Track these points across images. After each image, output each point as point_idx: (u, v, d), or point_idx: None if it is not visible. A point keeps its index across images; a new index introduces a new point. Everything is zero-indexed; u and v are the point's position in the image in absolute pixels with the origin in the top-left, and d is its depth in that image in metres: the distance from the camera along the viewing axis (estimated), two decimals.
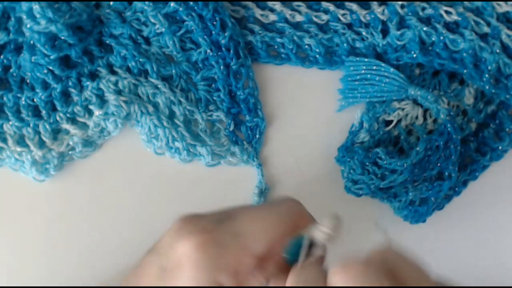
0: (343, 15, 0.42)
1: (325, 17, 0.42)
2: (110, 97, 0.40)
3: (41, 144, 0.41)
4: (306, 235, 0.28)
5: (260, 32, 0.42)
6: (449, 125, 0.39)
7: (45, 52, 0.39)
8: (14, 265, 0.40)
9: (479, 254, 0.41)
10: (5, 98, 0.41)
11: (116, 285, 0.39)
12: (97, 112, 0.40)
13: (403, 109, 0.40)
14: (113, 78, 0.41)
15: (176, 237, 0.28)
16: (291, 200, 0.31)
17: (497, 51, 0.40)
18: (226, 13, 0.41)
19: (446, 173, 0.39)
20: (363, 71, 0.41)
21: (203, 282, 0.27)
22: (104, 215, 0.41)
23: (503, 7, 0.41)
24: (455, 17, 0.41)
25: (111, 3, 0.41)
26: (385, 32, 0.41)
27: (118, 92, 0.41)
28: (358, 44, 0.42)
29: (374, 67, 0.40)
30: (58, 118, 0.41)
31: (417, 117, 0.40)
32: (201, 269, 0.27)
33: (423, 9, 0.41)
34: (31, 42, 0.40)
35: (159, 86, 0.41)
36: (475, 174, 0.41)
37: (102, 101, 0.41)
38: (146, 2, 0.41)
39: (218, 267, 0.27)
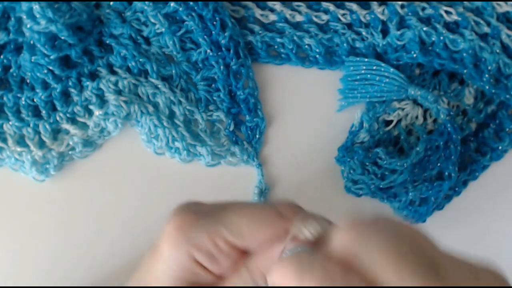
0: (343, 15, 0.42)
1: (325, 17, 0.42)
2: (110, 97, 0.40)
3: (41, 144, 0.41)
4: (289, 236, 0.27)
5: (260, 32, 0.42)
6: (449, 125, 0.39)
7: (45, 52, 0.39)
8: (14, 265, 0.40)
9: (479, 254, 0.41)
10: (5, 98, 0.41)
11: (117, 284, 0.39)
12: (97, 112, 0.40)
13: (403, 109, 0.40)
14: (113, 78, 0.41)
15: (168, 219, 0.29)
16: (290, 203, 0.30)
17: (497, 51, 0.40)
18: (226, 13, 0.41)
19: (446, 173, 0.39)
20: (363, 71, 0.41)
21: (178, 256, 0.28)
22: (104, 215, 0.41)
23: (503, 7, 0.42)
24: (455, 17, 0.41)
25: (111, 3, 0.41)
26: (385, 32, 0.41)
27: (118, 92, 0.41)
28: (358, 44, 0.42)
29: (374, 67, 0.40)
30: (58, 118, 0.41)
31: (417, 117, 0.40)
32: (176, 244, 0.28)
33: (423, 9, 0.41)
34: (31, 42, 0.40)
35: (159, 86, 0.41)
36: (475, 174, 0.41)
37: (102, 101, 0.41)
38: (146, 2, 0.41)
39: (192, 244, 0.27)
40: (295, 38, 0.42)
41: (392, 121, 0.41)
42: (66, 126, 0.41)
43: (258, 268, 0.28)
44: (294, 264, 0.23)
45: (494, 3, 0.41)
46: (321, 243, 0.26)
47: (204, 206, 0.30)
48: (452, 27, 0.41)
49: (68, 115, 0.41)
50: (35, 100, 0.41)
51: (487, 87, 0.40)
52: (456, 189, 0.41)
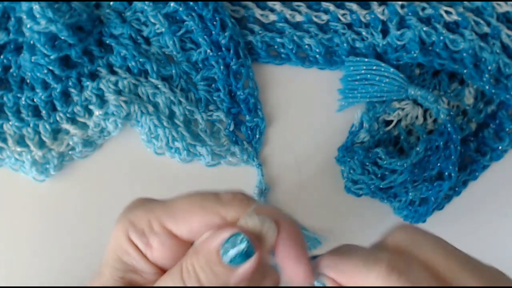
0: (343, 15, 0.42)
1: (325, 17, 0.42)
2: (110, 97, 0.40)
3: (41, 144, 0.41)
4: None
5: (260, 32, 0.42)
6: (449, 125, 0.39)
7: (45, 52, 0.39)
8: (14, 264, 0.40)
9: (479, 254, 0.41)
10: (5, 98, 0.41)
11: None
12: (97, 112, 0.40)
13: (403, 109, 0.40)
14: (113, 78, 0.41)
15: None
16: (238, 192, 0.27)
17: (497, 51, 0.40)
18: (226, 13, 0.41)
19: (446, 173, 0.39)
20: (363, 71, 0.41)
21: (116, 233, 0.27)
22: (104, 215, 0.41)
23: (503, 7, 0.42)
24: (455, 17, 0.41)
25: (111, 3, 0.41)
26: (385, 32, 0.41)
27: (118, 92, 0.41)
28: (358, 44, 0.42)
29: (374, 67, 0.40)
30: (58, 118, 0.41)
31: (417, 117, 0.40)
32: (117, 221, 0.28)
33: (423, 9, 0.41)
34: (31, 42, 0.40)
35: (159, 86, 0.41)
36: (475, 174, 0.41)
37: (102, 101, 0.41)
38: (146, 2, 0.41)
39: (129, 220, 0.27)
40: (295, 38, 0.42)
41: (392, 121, 0.41)
42: (66, 126, 0.41)
43: (192, 265, 0.26)
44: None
45: (494, 3, 0.41)
46: (261, 241, 0.25)
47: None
48: (452, 27, 0.41)
49: (68, 115, 0.41)
50: (35, 100, 0.41)
51: (487, 87, 0.40)
52: (456, 189, 0.41)
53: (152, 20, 0.41)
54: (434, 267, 0.25)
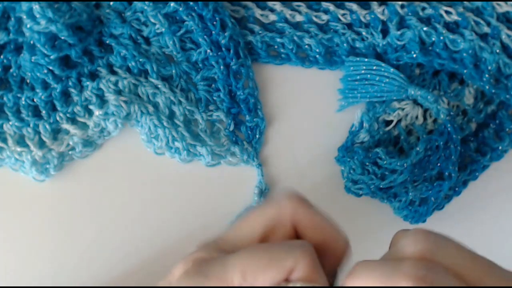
0: (343, 15, 0.42)
1: (325, 17, 0.42)
2: (110, 97, 0.40)
3: (41, 144, 0.41)
4: None
5: (260, 32, 0.42)
6: (449, 125, 0.39)
7: (45, 52, 0.39)
8: (14, 265, 0.40)
9: (479, 254, 0.41)
10: (5, 98, 0.41)
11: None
12: (97, 112, 0.40)
13: (403, 109, 0.40)
14: (113, 78, 0.41)
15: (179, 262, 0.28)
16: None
17: (497, 51, 0.40)
18: (226, 13, 0.41)
19: (446, 173, 0.39)
20: (363, 71, 0.41)
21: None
22: (104, 215, 0.41)
23: (503, 7, 0.42)
24: (455, 17, 0.41)
25: (111, 3, 0.41)
26: (385, 32, 0.41)
27: (118, 92, 0.41)
28: (358, 44, 0.42)
29: (374, 67, 0.40)
30: (58, 118, 0.41)
31: (417, 117, 0.40)
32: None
33: (423, 9, 0.41)
34: (31, 42, 0.40)
35: (159, 86, 0.41)
36: (475, 174, 0.41)
37: (102, 101, 0.41)
38: (146, 2, 0.41)
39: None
40: (295, 38, 0.42)
41: (392, 121, 0.41)
42: (66, 126, 0.41)
43: None
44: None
45: (494, 3, 0.41)
46: None
47: (209, 249, 0.28)
48: (452, 27, 0.41)
49: (68, 115, 0.41)
50: (35, 100, 0.41)
51: (487, 87, 0.40)
52: (456, 189, 0.41)
53: (152, 20, 0.41)
54: (460, 273, 0.23)
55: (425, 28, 0.40)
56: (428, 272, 0.23)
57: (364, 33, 0.42)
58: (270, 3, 0.43)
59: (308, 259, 0.26)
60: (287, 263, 0.25)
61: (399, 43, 0.41)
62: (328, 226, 0.30)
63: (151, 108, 0.40)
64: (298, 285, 0.26)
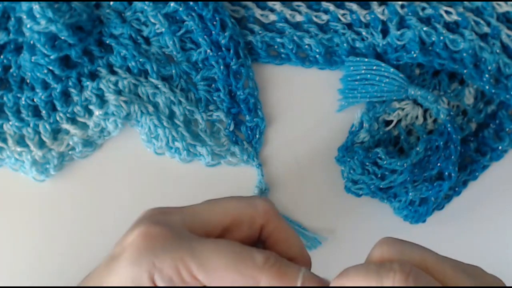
0: (343, 15, 0.42)
1: (325, 17, 0.42)
2: (110, 97, 0.40)
3: (41, 144, 0.41)
4: None
5: (260, 32, 0.42)
6: (449, 125, 0.39)
7: (45, 52, 0.39)
8: (14, 265, 0.40)
9: (479, 254, 0.41)
10: (5, 98, 0.41)
11: None
12: (97, 112, 0.40)
13: (403, 109, 0.40)
14: (113, 78, 0.41)
15: (132, 226, 0.28)
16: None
17: (497, 51, 0.40)
18: (226, 13, 0.41)
19: (446, 173, 0.39)
20: (363, 71, 0.41)
21: (136, 273, 0.26)
22: (104, 215, 0.41)
23: (503, 7, 0.42)
24: (455, 17, 0.41)
25: (111, 3, 0.41)
26: (385, 32, 0.41)
27: (118, 92, 0.41)
28: (358, 44, 0.42)
29: (374, 67, 0.40)
30: (58, 118, 0.41)
31: (417, 117, 0.40)
32: (138, 260, 0.26)
33: (423, 9, 0.41)
34: (31, 42, 0.40)
35: (159, 86, 0.41)
36: (475, 174, 0.41)
37: (102, 101, 0.41)
38: (146, 2, 0.41)
39: (155, 265, 0.26)
40: (295, 38, 0.42)
41: (392, 121, 0.41)
42: (66, 126, 0.41)
43: None
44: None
45: (494, 3, 0.41)
46: None
47: (172, 217, 0.28)
48: (452, 27, 0.41)
49: (68, 115, 0.41)
50: (35, 100, 0.41)
51: (487, 87, 0.40)
52: (456, 189, 0.41)
53: (152, 20, 0.41)
54: (428, 271, 0.25)
55: (425, 28, 0.40)
56: (411, 268, 0.24)
57: (364, 33, 0.42)
58: (270, 3, 0.43)
59: (272, 258, 0.26)
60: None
61: (399, 43, 0.41)
62: (296, 240, 0.30)
63: (151, 108, 0.40)
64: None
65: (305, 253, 0.30)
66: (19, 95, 0.41)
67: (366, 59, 0.41)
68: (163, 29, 0.41)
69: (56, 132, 0.41)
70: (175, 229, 0.27)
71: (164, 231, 0.27)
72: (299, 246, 0.30)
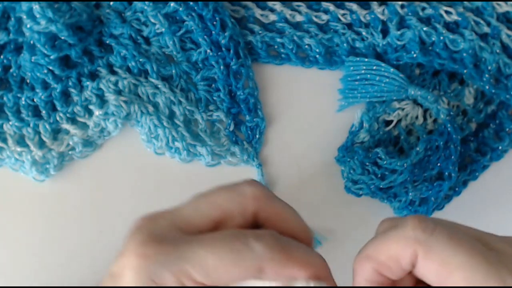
0: (343, 15, 0.42)
1: (325, 17, 0.42)
2: (110, 97, 0.40)
3: (41, 144, 0.41)
4: None
5: (260, 32, 0.42)
6: (449, 125, 0.39)
7: (45, 52, 0.39)
8: (13, 265, 0.40)
9: None
10: (5, 98, 0.41)
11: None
12: (97, 112, 0.40)
13: (403, 109, 0.40)
14: (113, 78, 0.41)
15: (125, 243, 0.27)
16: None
17: (497, 51, 0.40)
18: (226, 13, 0.41)
19: (446, 173, 0.39)
20: (363, 71, 0.41)
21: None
22: (104, 215, 0.41)
23: (503, 7, 0.42)
24: (455, 17, 0.41)
25: (111, 3, 0.41)
26: (385, 32, 0.41)
27: (118, 92, 0.41)
28: (358, 44, 0.42)
29: (374, 67, 0.40)
30: (58, 118, 0.41)
31: (417, 117, 0.40)
32: (140, 279, 0.26)
33: (423, 9, 0.41)
34: (31, 42, 0.40)
35: (159, 86, 0.41)
36: (475, 174, 0.41)
37: (102, 101, 0.41)
38: (146, 2, 0.41)
39: (157, 281, 0.25)
40: (295, 38, 0.42)
41: (392, 121, 0.41)
42: (66, 126, 0.41)
43: None
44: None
45: (494, 3, 0.41)
46: None
47: (162, 222, 0.28)
48: (452, 27, 0.41)
49: (68, 115, 0.41)
50: (35, 100, 0.41)
51: (487, 87, 0.40)
52: (456, 189, 0.41)
53: (152, 20, 0.41)
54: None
55: (425, 28, 0.40)
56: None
57: (364, 33, 0.42)
58: (270, 3, 0.43)
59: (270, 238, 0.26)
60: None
61: (399, 43, 0.41)
62: (293, 217, 0.30)
63: (151, 108, 0.40)
64: (305, 284, 0.26)
65: (306, 228, 0.30)
66: (19, 95, 0.41)
67: (366, 59, 0.41)
68: (163, 29, 0.41)
69: (56, 132, 0.41)
70: (168, 237, 0.27)
71: (158, 246, 0.26)
72: (298, 222, 0.30)
